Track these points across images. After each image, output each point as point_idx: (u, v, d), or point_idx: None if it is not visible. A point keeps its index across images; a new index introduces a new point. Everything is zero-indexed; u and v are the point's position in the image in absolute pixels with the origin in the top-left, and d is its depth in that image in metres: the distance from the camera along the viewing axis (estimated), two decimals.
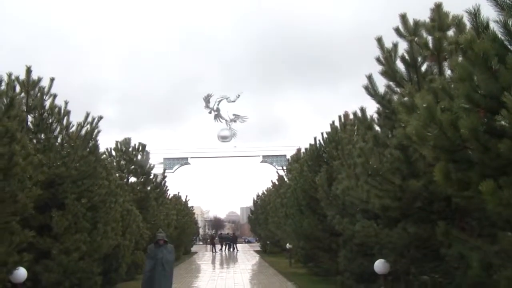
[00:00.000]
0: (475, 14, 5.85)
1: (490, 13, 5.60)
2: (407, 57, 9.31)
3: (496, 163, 5.10)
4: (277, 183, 36.15)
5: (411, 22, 9.26)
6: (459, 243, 6.40)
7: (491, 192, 4.81)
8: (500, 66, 5.19)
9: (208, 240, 66.82)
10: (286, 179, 30.15)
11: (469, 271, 6.16)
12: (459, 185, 5.59)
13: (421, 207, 8.10)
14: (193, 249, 55.89)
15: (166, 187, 31.03)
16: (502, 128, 4.93)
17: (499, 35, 5.43)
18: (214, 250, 52.13)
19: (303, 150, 23.70)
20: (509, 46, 5.34)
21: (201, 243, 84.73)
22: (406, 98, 8.02)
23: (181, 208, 41.88)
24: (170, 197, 36.22)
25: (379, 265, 10.01)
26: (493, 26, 5.49)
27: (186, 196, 48.01)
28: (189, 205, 50.06)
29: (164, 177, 30.67)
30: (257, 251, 49.01)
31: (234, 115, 53.77)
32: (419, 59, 9.25)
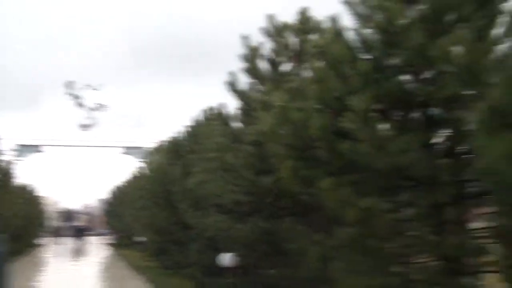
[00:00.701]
0: (334, 21, 6.15)
1: (350, 21, 5.92)
2: (270, 56, 9.57)
3: (340, 163, 5.37)
4: (137, 175, 35.23)
5: (278, 22, 9.51)
6: (302, 238, 6.68)
7: (330, 189, 5.05)
8: (351, 71, 5.47)
9: (56, 232, 62.76)
10: (146, 171, 29.51)
11: (309, 264, 6.46)
12: (305, 182, 5.81)
13: (271, 203, 8.32)
14: (41, 241, 52.49)
15: (14, 175, 28.71)
16: (346, 130, 5.20)
17: (354, 42, 5.74)
18: (60, 242, 49.41)
19: (164, 143, 23.35)
20: (360, 54, 5.67)
21: (48, 235, 79.52)
22: (266, 96, 8.20)
23: (28, 197, 39.03)
24: (17, 186, 33.52)
25: (226, 258, 10.15)
26: (351, 33, 5.81)
27: (35, 185, 44.83)
28: (41, 195, 46.92)
29: (11, 164, 28.36)
30: (111, 244, 47.39)
31: (96, 104, 51.37)
32: (282, 59, 9.55)
